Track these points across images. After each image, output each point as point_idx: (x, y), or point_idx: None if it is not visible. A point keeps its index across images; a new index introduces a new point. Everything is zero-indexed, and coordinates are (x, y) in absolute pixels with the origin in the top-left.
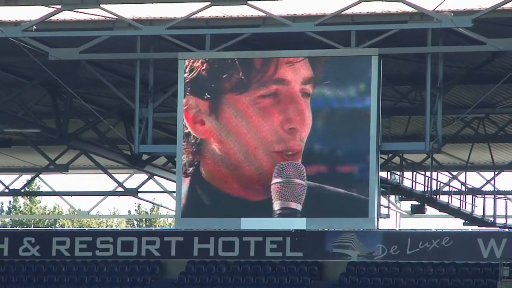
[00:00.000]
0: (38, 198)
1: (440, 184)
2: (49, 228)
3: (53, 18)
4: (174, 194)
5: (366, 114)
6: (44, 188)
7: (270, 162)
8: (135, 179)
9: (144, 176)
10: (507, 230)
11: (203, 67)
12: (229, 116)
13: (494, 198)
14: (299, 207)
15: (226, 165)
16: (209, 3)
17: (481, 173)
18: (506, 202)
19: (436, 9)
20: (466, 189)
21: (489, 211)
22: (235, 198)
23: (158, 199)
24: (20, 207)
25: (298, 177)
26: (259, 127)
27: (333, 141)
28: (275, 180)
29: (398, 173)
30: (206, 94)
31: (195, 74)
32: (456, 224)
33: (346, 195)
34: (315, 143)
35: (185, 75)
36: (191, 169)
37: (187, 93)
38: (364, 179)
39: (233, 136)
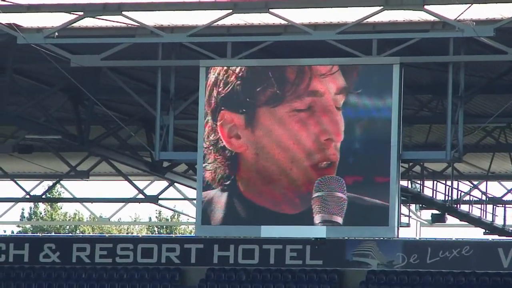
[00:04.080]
0: (59, 204)
1: (460, 193)
2: (70, 234)
3: (75, 25)
4: (195, 201)
5: (390, 123)
6: (65, 195)
7: (306, 174)
8: (155, 186)
9: (164, 183)
10: None
11: (238, 82)
12: (264, 129)
13: None
14: (340, 220)
15: (261, 178)
16: (231, 10)
17: (502, 182)
18: None
19: (458, 18)
20: (487, 199)
21: (510, 221)
22: (271, 212)
23: (178, 207)
24: (41, 213)
25: (339, 190)
26: (295, 140)
27: (363, 151)
28: (316, 194)
29: (418, 182)
30: (242, 108)
31: (229, 89)
32: (476, 234)
33: (374, 204)
34: (346, 153)
35: (219, 89)
36: (227, 182)
37: (222, 108)
38: (387, 189)
39: (269, 149)
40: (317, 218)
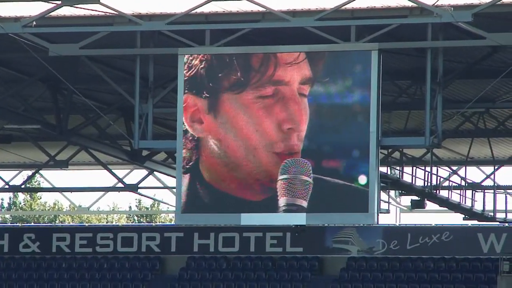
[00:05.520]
0: (38, 194)
1: (440, 179)
2: (49, 224)
3: (53, 13)
4: (174, 190)
5: (364, 109)
6: (44, 184)
7: (269, 162)
8: (135, 175)
9: (144, 172)
10: (507, 225)
11: (202, 65)
12: (227, 115)
13: (494, 192)
14: (304, 203)
15: (224, 164)
16: None
17: (481, 167)
18: (506, 196)
19: (436, 4)
20: (466, 184)
21: (489, 206)
22: (234, 197)
23: (158, 195)
24: (20, 203)
25: (305, 173)
26: (257, 128)
27: (330, 137)
28: (281, 177)
29: (398, 168)
30: (205, 92)
31: (193, 72)
32: (456, 219)
33: (346, 186)
34: (311, 139)
35: (184, 72)
36: (190, 165)
37: (186, 91)
38: (355, 174)
39: (232, 135)
40: (281, 202)
